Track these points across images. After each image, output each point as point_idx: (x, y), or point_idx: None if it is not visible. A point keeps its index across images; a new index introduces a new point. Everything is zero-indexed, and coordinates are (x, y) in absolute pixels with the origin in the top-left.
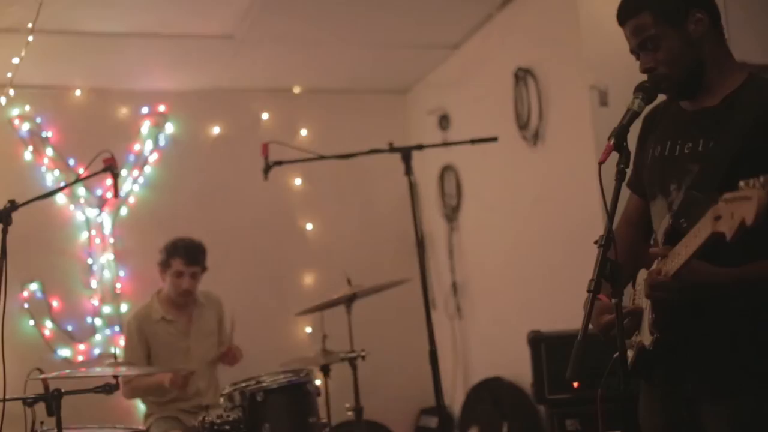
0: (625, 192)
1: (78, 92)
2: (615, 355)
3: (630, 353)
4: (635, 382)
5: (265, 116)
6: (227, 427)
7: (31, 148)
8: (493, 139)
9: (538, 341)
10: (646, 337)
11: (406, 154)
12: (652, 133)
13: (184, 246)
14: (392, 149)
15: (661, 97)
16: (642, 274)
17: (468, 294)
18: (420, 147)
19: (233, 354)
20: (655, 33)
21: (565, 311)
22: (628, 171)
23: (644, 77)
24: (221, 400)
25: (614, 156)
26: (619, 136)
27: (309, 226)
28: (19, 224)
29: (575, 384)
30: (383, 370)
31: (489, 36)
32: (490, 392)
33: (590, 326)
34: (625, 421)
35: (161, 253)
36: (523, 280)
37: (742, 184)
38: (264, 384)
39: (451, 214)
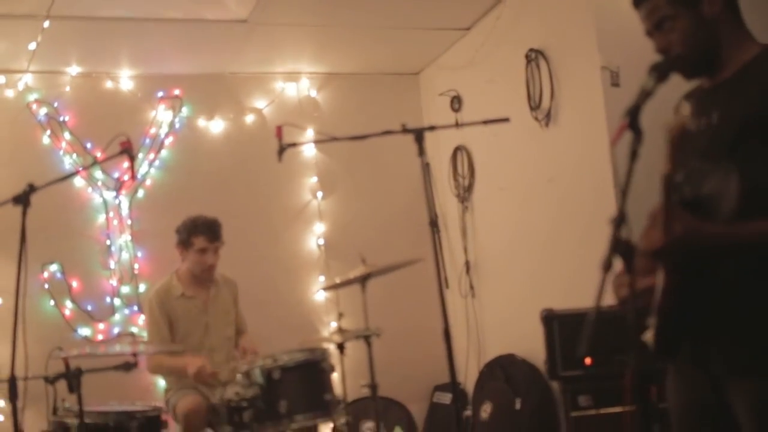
0: (640, 173)
1: (94, 77)
2: (645, 335)
3: (650, 333)
4: (662, 361)
5: (279, 99)
6: (245, 404)
7: (49, 132)
8: (505, 120)
9: (551, 319)
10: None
11: (418, 135)
12: None
13: (204, 223)
14: (405, 130)
15: (678, 82)
16: None
17: (481, 273)
18: (432, 128)
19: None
20: (669, 13)
21: (578, 289)
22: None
23: (657, 57)
24: (238, 377)
25: (627, 135)
26: (633, 115)
27: (323, 207)
28: (39, 207)
29: (588, 361)
30: (398, 347)
31: (501, 17)
32: (504, 369)
33: (603, 303)
34: (640, 398)
35: (180, 233)
36: (535, 259)
37: None
38: (280, 362)
39: (464, 194)
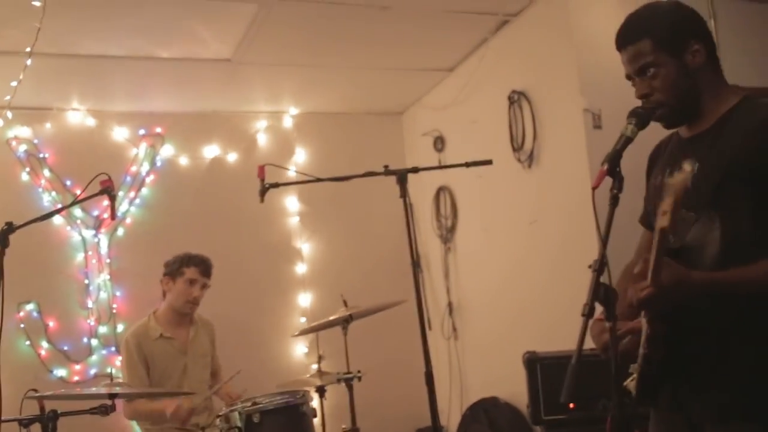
0: (622, 218)
1: (75, 114)
2: (627, 381)
3: (634, 378)
4: (643, 407)
5: (261, 138)
6: None
7: (28, 169)
8: (488, 162)
9: (533, 362)
10: None
11: (401, 176)
12: (656, 166)
13: (199, 257)
14: (388, 172)
15: (658, 128)
16: None
17: (463, 314)
18: (415, 170)
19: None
20: (653, 60)
21: (561, 332)
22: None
23: (638, 101)
24: (217, 421)
25: (608, 181)
26: (612, 161)
27: (305, 248)
28: (16, 245)
29: (571, 405)
30: (379, 390)
31: (484, 59)
32: (486, 412)
33: (584, 348)
34: None
35: (170, 264)
36: (518, 301)
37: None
38: (260, 405)
39: (447, 234)
